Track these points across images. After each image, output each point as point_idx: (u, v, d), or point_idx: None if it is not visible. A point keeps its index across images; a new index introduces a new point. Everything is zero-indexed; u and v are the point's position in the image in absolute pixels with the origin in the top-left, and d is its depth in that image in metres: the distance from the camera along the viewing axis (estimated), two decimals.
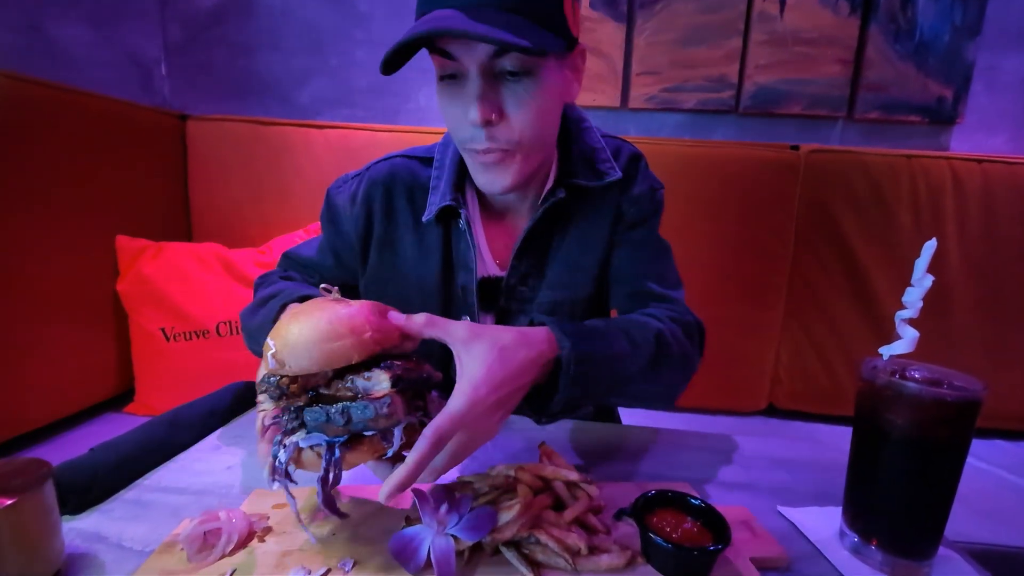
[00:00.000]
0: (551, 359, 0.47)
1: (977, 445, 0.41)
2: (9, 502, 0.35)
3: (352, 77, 1.63)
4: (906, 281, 0.43)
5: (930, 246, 0.39)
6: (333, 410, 0.38)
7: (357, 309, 0.40)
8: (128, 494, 0.50)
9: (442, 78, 0.54)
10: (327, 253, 0.73)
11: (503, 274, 0.67)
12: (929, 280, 0.39)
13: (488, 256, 0.68)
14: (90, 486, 0.48)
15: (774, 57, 1.52)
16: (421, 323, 0.43)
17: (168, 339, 1.26)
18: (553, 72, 0.54)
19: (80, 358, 1.22)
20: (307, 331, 0.38)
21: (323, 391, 0.40)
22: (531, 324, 0.51)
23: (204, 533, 0.41)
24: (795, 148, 1.40)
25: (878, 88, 1.51)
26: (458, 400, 0.40)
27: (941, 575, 0.43)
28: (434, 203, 0.65)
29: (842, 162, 1.37)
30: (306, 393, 0.40)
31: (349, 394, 0.39)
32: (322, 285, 0.47)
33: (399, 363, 0.40)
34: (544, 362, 0.46)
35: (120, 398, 1.31)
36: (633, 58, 1.54)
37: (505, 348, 0.43)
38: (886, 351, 0.43)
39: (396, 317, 0.43)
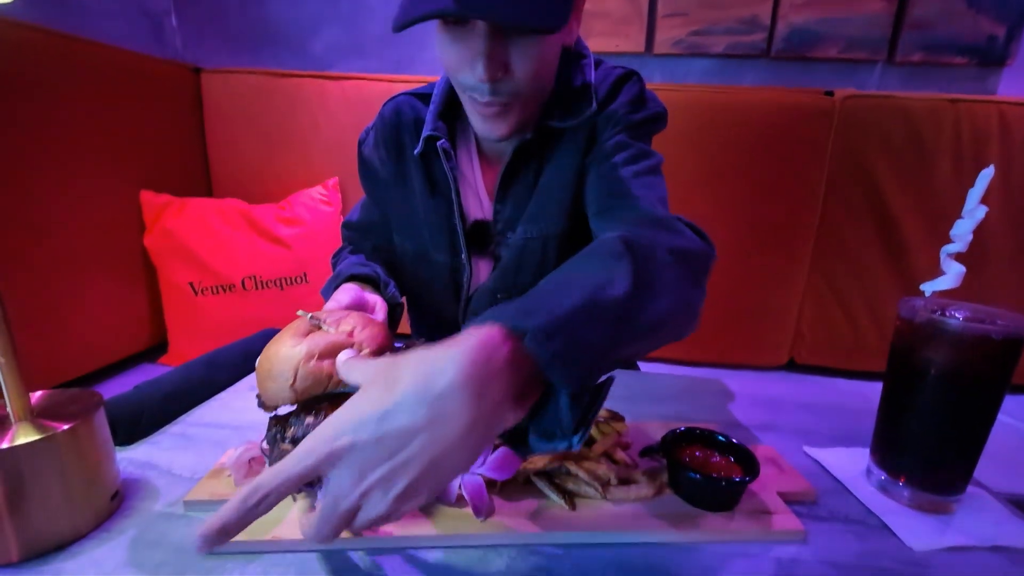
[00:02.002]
0: (517, 362, 0.30)
1: (1007, 401, 0.41)
2: (67, 427, 0.37)
3: (365, 24, 1.57)
4: (941, 233, 0.42)
5: (986, 174, 0.37)
6: (261, 442, 0.41)
7: (300, 348, 0.38)
8: (174, 428, 0.53)
9: (445, 21, 0.52)
10: (373, 208, 0.74)
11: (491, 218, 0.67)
12: (982, 211, 0.38)
13: (485, 198, 0.68)
14: (138, 419, 0.50)
15: None
16: (339, 364, 0.36)
17: (196, 293, 1.29)
18: None
19: (114, 311, 1.27)
20: (260, 362, 0.40)
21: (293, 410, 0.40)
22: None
23: (249, 460, 0.43)
24: (829, 94, 1.33)
25: (923, 26, 1.41)
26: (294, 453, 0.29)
27: (968, 510, 0.44)
28: (422, 136, 0.66)
29: (880, 108, 1.30)
30: (273, 410, 0.41)
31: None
32: (298, 310, 0.44)
33: (311, 419, 0.38)
34: (497, 380, 0.29)
35: (154, 350, 1.37)
36: None
37: (392, 380, 0.29)
38: (928, 287, 0.41)
39: (340, 357, 0.37)
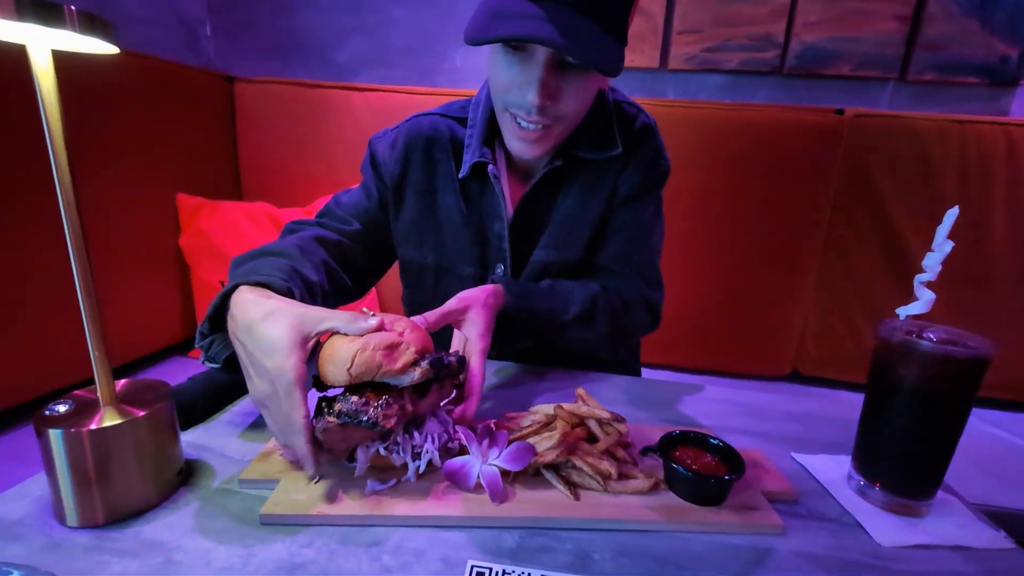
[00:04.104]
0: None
1: (1008, 418, 0.45)
2: (144, 413, 0.43)
3: (389, 36, 1.64)
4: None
5: (952, 213, 0.42)
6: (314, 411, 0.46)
7: (359, 342, 0.44)
8: (222, 416, 0.59)
9: (507, 44, 0.58)
10: (367, 195, 0.77)
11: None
12: (949, 246, 0.42)
13: (508, 208, 0.74)
14: (193, 407, 0.56)
15: (825, 13, 1.46)
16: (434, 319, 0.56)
17: None
18: None
19: (150, 307, 1.35)
20: (324, 348, 0.46)
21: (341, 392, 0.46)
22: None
23: None
24: (839, 112, 1.37)
25: (936, 47, 1.44)
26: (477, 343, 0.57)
27: (937, 514, 0.48)
28: (467, 160, 0.71)
29: (889, 127, 1.33)
30: (325, 391, 0.48)
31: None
32: (363, 308, 0.50)
33: (356, 399, 0.44)
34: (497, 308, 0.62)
35: (186, 343, 1.44)
36: (675, 15, 1.50)
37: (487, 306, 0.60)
38: (903, 311, 0.46)
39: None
